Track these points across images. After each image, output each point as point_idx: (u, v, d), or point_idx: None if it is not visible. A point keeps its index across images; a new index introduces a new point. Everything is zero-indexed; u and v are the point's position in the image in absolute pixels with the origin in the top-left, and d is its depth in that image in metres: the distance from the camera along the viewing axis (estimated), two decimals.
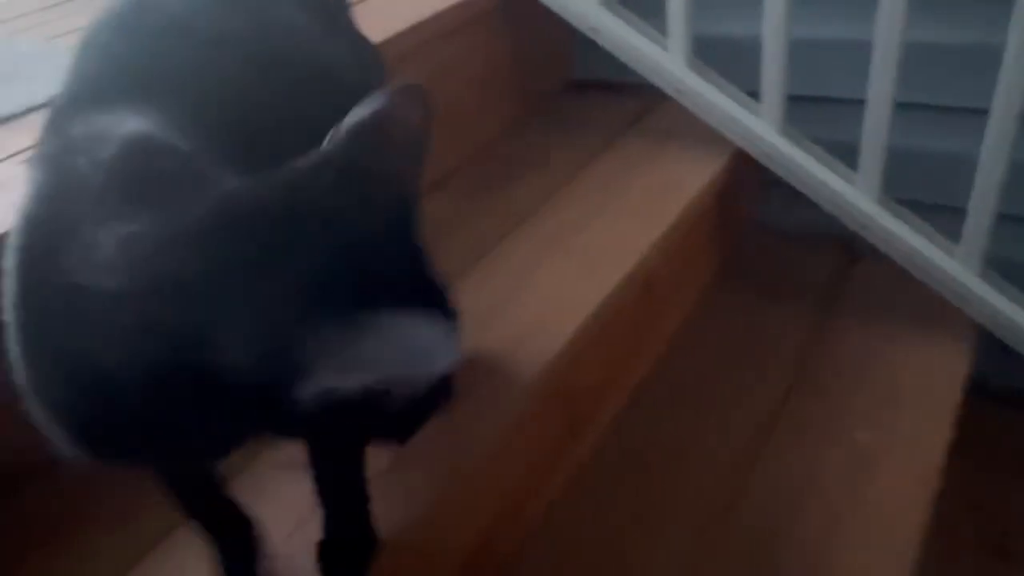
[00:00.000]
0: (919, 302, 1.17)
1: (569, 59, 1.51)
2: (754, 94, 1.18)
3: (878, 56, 1.01)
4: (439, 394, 0.84)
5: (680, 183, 1.18)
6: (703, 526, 0.95)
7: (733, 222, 1.37)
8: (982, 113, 0.99)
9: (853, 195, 1.14)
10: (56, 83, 0.58)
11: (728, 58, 1.22)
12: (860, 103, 1.08)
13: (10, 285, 0.49)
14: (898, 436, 1.04)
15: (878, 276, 1.22)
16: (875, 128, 1.06)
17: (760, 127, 1.15)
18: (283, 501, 0.75)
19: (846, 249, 1.30)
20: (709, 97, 1.18)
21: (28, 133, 0.76)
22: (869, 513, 0.95)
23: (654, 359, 1.18)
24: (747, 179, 1.28)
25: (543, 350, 0.89)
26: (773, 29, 1.07)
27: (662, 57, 1.18)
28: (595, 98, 1.48)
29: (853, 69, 1.17)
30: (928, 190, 1.20)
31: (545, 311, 0.95)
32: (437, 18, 1.16)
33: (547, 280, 1.01)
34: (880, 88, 1.03)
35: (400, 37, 1.10)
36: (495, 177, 1.25)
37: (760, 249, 1.40)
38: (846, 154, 1.15)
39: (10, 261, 0.49)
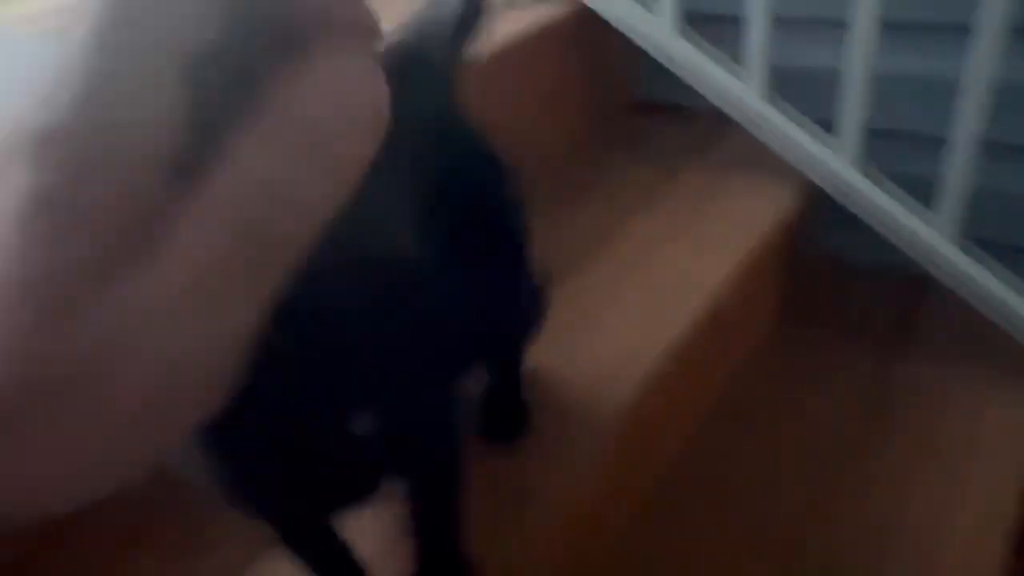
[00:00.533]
0: (995, 345, 1.14)
1: (633, 79, 1.49)
2: (823, 123, 1.16)
3: (968, 95, 0.98)
4: (513, 426, 0.84)
5: (751, 216, 1.16)
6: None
7: (801, 253, 1.35)
8: None
9: (931, 236, 1.11)
10: None
11: (801, 87, 1.20)
12: (937, 140, 1.06)
13: None
14: (974, 488, 1.01)
15: (953, 315, 1.18)
16: (959, 169, 1.03)
17: (838, 164, 1.13)
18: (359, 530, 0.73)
19: (920, 286, 1.26)
20: (786, 131, 1.16)
21: None
22: (944, 572, 0.92)
23: (715, 397, 1.16)
24: (816, 211, 1.26)
25: (617, 393, 0.88)
26: (856, 65, 1.05)
27: (739, 88, 1.17)
28: (659, 121, 1.46)
29: (931, 104, 1.15)
30: (1011, 232, 1.17)
31: (617, 350, 0.94)
32: (515, 43, 1.16)
33: (618, 316, 1.00)
34: (967, 128, 1.00)
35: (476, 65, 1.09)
36: (559, 202, 1.24)
37: (828, 282, 1.37)
38: (920, 188, 1.13)
39: None
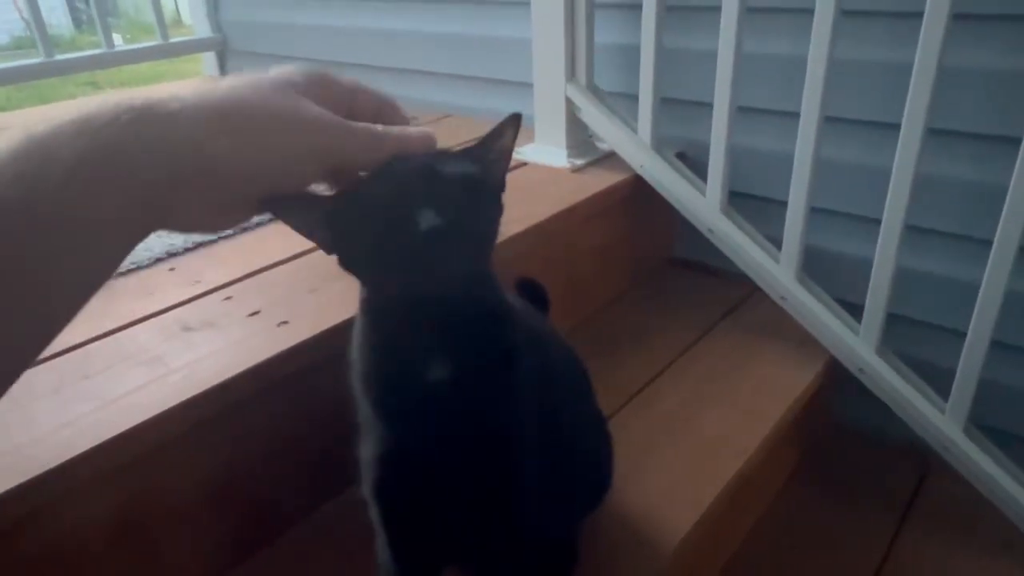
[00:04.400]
0: (999, 523, 1.20)
1: (671, 237, 1.62)
2: (847, 303, 1.28)
3: (982, 298, 1.09)
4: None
5: (782, 382, 1.27)
6: None
7: (816, 419, 1.44)
8: None
9: (940, 420, 1.20)
10: None
11: (831, 268, 1.34)
12: (953, 331, 1.16)
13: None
14: None
15: (959, 490, 1.23)
16: (971, 362, 1.13)
17: (858, 345, 1.24)
18: None
19: (929, 459, 1.33)
20: (812, 308, 1.27)
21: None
22: None
23: (730, 554, 1.24)
24: (836, 379, 1.36)
25: (656, 552, 0.95)
26: (883, 258, 1.16)
27: (772, 266, 1.28)
28: (693, 279, 1.58)
29: (950, 301, 1.27)
30: (1015, 422, 1.27)
31: (658, 505, 1.01)
32: (575, 208, 1.28)
33: (657, 471, 1.08)
34: (981, 327, 1.10)
35: (545, 221, 1.22)
36: (599, 355, 1.33)
37: (842, 448, 1.47)
38: (932, 372, 1.23)
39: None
